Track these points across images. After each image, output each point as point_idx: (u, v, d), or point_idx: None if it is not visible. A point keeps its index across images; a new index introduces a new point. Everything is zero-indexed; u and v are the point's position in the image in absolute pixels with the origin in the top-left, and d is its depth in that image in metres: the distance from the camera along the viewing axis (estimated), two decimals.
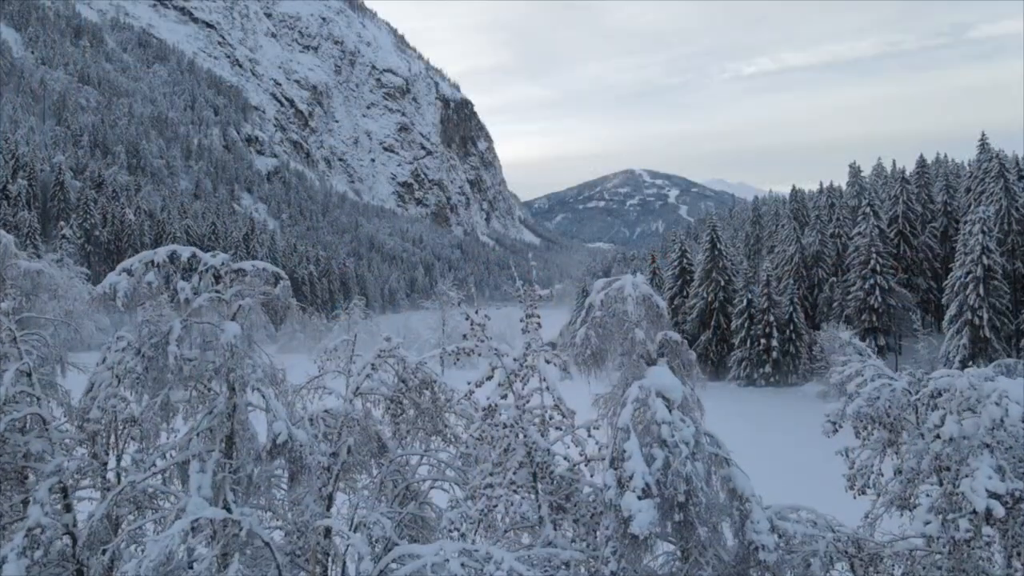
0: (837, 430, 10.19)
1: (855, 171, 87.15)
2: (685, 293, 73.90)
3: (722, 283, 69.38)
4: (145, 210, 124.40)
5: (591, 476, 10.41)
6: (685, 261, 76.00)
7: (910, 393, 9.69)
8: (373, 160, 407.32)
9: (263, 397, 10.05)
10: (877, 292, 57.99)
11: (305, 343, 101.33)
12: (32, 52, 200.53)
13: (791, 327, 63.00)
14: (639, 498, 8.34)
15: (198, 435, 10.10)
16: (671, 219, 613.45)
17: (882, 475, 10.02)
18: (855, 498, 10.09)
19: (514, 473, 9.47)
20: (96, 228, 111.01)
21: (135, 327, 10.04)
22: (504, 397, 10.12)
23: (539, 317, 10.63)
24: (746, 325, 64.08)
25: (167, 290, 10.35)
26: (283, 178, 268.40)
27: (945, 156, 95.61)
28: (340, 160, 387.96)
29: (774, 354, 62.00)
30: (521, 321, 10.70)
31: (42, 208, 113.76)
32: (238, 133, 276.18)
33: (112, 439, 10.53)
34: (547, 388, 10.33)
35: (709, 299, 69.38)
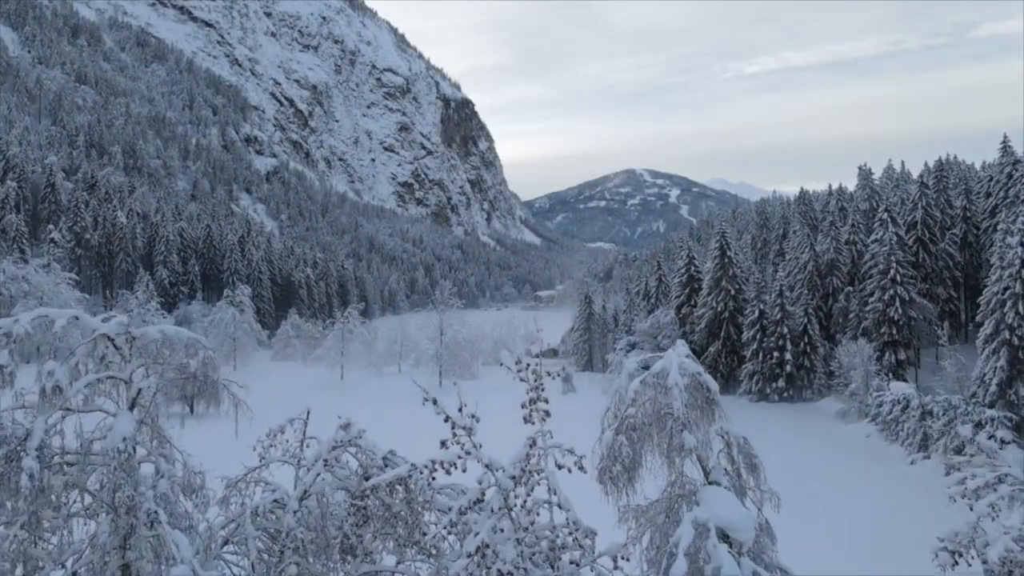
0: (957, 563, 7.47)
1: (865, 173, 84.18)
2: (693, 302, 71.03)
3: (732, 292, 66.48)
4: (138, 212, 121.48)
5: None
6: (693, 268, 73.05)
7: None
8: (373, 160, 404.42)
9: (162, 522, 7.24)
10: (897, 303, 55.09)
11: (300, 350, 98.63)
12: (29, 51, 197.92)
13: (805, 339, 60.15)
14: None
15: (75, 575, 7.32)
16: (672, 219, 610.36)
17: None
18: None
19: None
20: (87, 231, 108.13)
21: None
22: (499, 517, 7.37)
23: (547, 403, 7.84)
24: (758, 337, 61.19)
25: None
26: (282, 178, 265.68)
27: (955, 157, 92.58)
28: (340, 160, 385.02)
29: (788, 368, 59.13)
30: (523, 407, 7.95)
31: (32, 210, 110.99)
32: (237, 133, 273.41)
33: None
34: (559, 504, 7.54)
35: (719, 309, 66.48)
